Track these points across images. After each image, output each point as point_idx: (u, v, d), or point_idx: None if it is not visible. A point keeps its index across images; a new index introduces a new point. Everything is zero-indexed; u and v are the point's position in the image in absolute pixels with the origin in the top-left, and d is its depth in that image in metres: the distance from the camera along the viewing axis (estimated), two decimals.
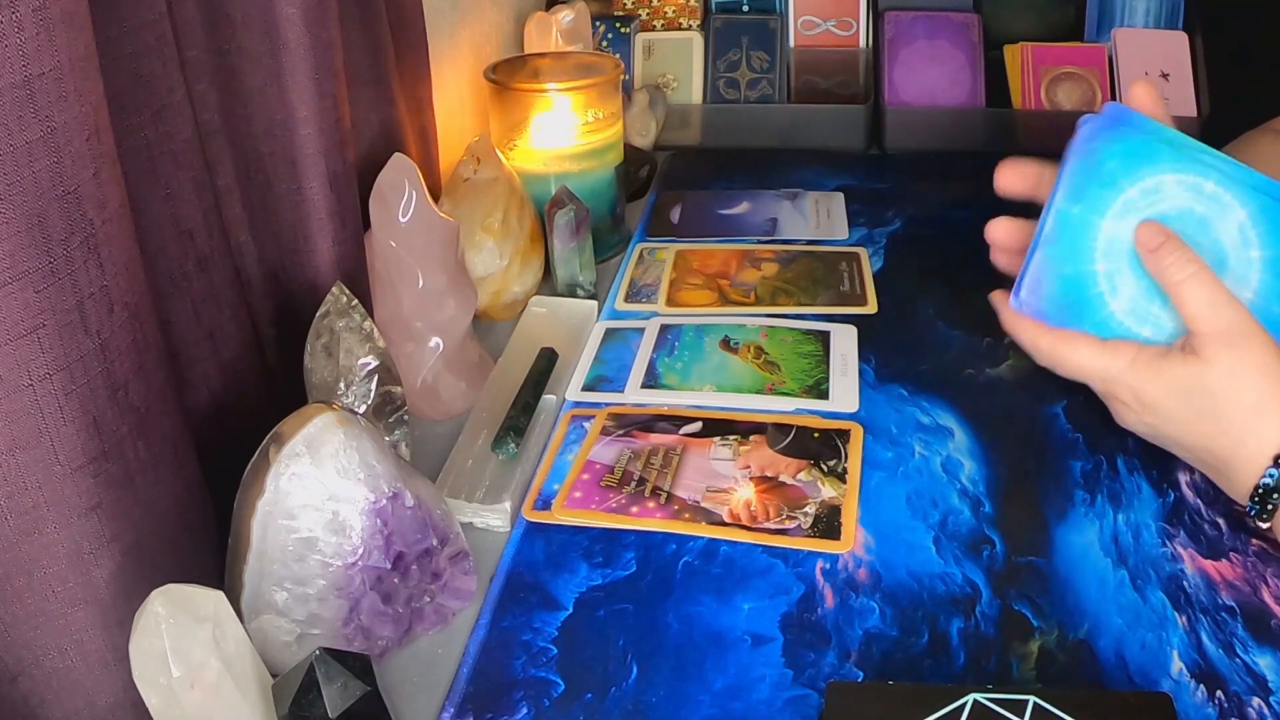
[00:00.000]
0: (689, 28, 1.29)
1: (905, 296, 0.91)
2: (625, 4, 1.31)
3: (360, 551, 0.53)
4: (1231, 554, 0.62)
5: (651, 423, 0.75)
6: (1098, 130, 0.58)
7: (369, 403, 0.65)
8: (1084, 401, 0.71)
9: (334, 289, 0.65)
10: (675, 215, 1.07)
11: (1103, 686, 0.54)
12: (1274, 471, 0.56)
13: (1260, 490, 0.57)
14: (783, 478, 0.69)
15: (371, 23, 0.77)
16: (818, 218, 1.05)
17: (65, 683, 0.49)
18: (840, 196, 1.09)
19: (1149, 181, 0.58)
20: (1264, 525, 0.58)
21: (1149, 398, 0.59)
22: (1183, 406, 0.58)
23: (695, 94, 1.27)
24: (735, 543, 0.64)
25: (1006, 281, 0.64)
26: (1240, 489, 0.58)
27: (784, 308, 0.89)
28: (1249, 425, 0.57)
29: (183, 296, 0.61)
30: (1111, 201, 0.58)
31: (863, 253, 0.98)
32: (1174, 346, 0.59)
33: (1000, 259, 0.67)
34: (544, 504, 0.68)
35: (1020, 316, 0.63)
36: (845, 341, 0.84)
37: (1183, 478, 0.68)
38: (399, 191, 0.73)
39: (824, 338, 0.84)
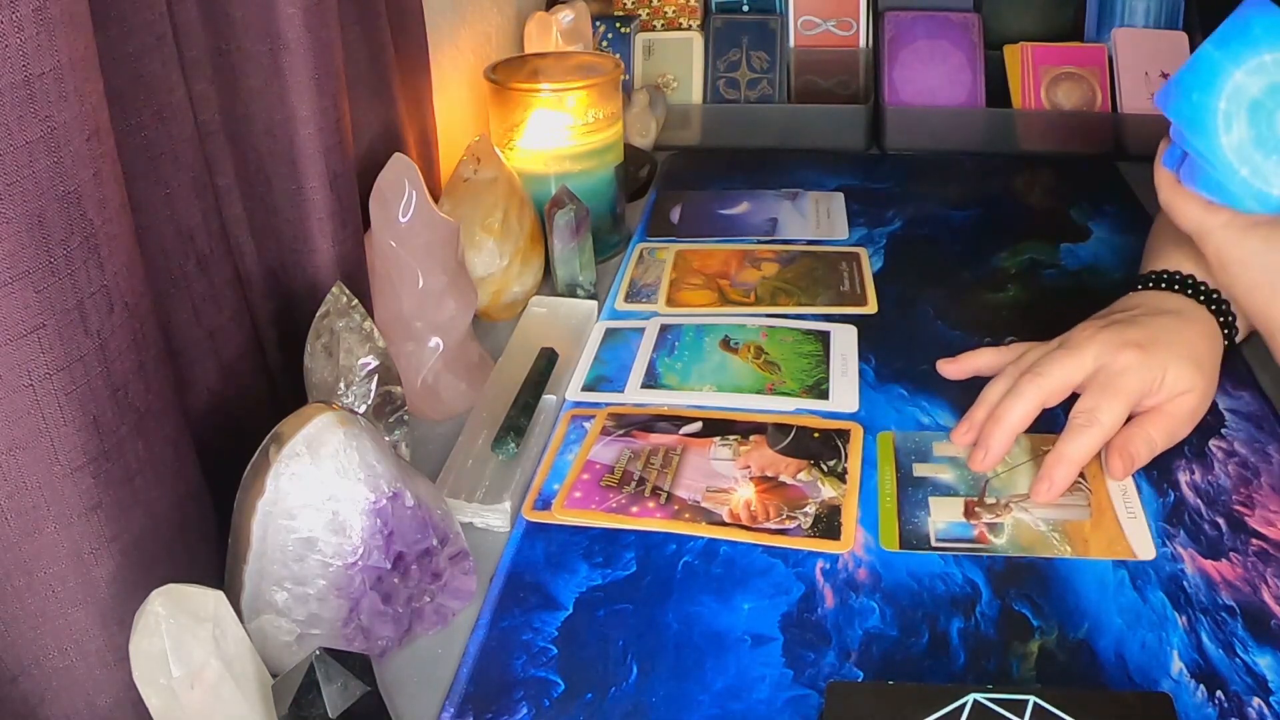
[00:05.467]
0: (689, 28, 1.29)
1: (905, 296, 0.91)
2: (625, 4, 1.31)
3: (360, 551, 0.53)
4: (1231, 554, 0.62)
5: (651, 423, 0.75)
6: (1256, 2, 0.70)
7: (369, 403, 0.65)
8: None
9: (334, 289, 0.65)
10: (675, 215, 1.07)
11: (1103, 686, 0.54)
12: None
13: None
14: (783, 478, 0.69)
15: (371, 23, 0.77)
16: (818, 218, 1.05)
17: (65, 683, 0.49)
18: (840, 196, 1.09)
19: None
20: None
21: (1232, 257, 0.70)
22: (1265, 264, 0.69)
23: (695, 94, 1.27)
24: (735, 543, 0.64)
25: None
26: None
27: (784, 308, 0.89)
28: None
29: (183, 296, 0.61)
30: (1248, 58, 0.68)
31: (863, 253, 0.98)
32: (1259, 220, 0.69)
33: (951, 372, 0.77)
34: (544, 504, 0.68)
35: (1166, 173, 0.74)
36: (845, 341, 0.84)
37: (1183, 478, 0.68)
38: (399, 191, 0.73)
39: (824, 338, 0.84)
